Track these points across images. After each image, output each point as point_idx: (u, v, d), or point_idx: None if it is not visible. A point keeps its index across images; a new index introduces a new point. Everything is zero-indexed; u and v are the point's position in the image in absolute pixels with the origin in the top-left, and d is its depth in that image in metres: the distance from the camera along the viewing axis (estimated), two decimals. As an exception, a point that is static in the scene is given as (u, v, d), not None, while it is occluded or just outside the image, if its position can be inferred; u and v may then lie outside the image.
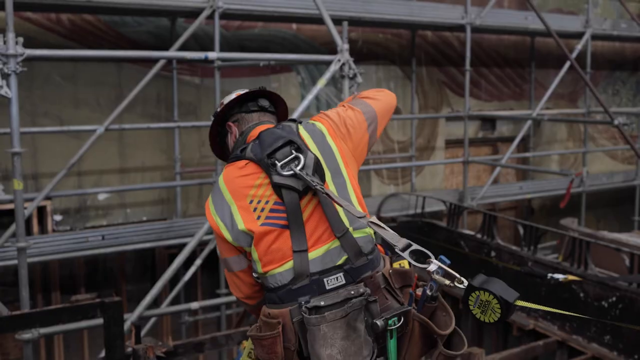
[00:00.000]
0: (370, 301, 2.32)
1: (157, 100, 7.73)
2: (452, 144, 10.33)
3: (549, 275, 5.28)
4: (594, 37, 10.53)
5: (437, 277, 2.26)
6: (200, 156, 8.00)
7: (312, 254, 2.39)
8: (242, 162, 2.53)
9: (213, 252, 6.84)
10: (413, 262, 2.31)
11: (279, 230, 2.40)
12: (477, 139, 10.69)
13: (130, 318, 5.42)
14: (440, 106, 10.07)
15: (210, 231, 6.67)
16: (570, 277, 5.78)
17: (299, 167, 2.42)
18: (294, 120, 2.70)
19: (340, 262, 2.40)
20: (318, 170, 2.48)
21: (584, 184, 10.37)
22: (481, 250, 7.31)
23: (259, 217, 2.42)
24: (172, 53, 6.38)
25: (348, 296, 2.30)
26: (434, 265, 2.27)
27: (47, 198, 6.85)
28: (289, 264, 2.38)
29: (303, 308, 2.29)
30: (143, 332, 5.99)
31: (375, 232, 2.46)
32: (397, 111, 9.59)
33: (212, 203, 2.54)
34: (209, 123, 6.53)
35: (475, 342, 7.18)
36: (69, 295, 7.32)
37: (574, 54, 9.61)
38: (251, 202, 2.45)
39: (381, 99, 2.83)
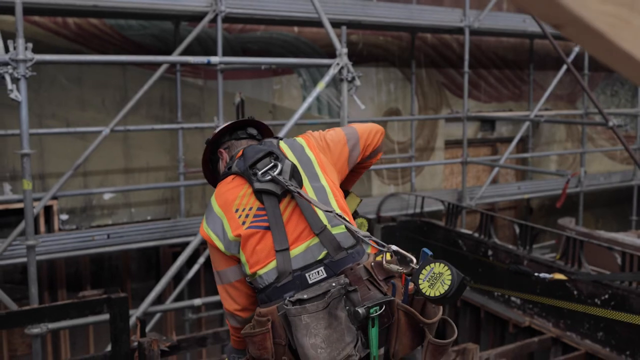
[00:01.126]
0: (350, 290, 2.44)
1: (161, 101, 7.89)
2: (452, 144, 10.47)
3: (535, 274, 5.40)
4: (592, 39, 10.64)
5: (387, 265, 2.43)
6: (204, 157, 8.14)
7: (294, 252, 2.54)
8: (230, 178, 2.74)
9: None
10: (374, 244, 2.50)
11: (262, 232, 2.57)
12: (476, 139, 10.83)
13: (135, 314, 5.58)
14: (440, 107, 10.21)
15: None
16: (557, 276, 5.92)
17: (276, 172, 2.63)
18: (276, 138, 2.91)
19: (320, 257, 2.54)
20: (295, 175, 2.67)
21: (581, 184, 10.51)
22: (478, 250, 7.45)
23: (244, 223, 2.59)
24: (176, 58, 6.54)
25: (329, 288, 2.43)
26: (394, 247, 2.45)
27: (54, 198, 7.00)
28: (273, 264, 2.53)
29: (286, 302, 2.43)
30: (147, 328, 6.14)
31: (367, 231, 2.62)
32: (397, 112, 9.75)
33: (205, 219, 2.72)
34: (213, 124, 6.75)
35: (473, 339, 7.33)
36: (75, 293, 7.47)
37: (572, 56, 9.74)
38: (237, 210, 2.63)
39: (365, 124, 3.03)
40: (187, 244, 6.68)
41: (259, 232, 2.58)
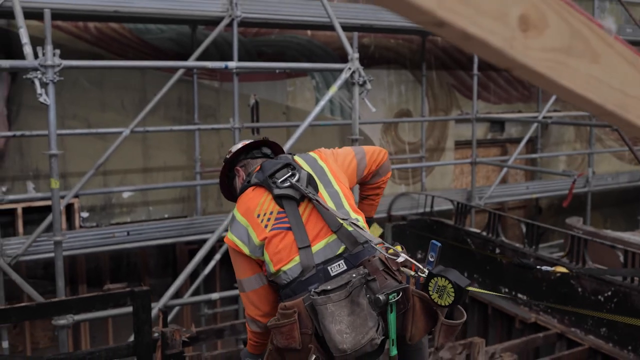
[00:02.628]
0: (369, 280, 2.71)
1: (179, 103, 8.13)
2: (462, 145, 10.66)
3: (538, 266, 5.62)
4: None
5: (403, 269, 2.69)
6: (220, 157, 8.39)
7: (315, 248, 2.82)
8: (250, 189, 3.02)
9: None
10: (385, 254, 2.73)
11: (284, 232, 2.84)
12: (486, 140, 11.02)
13: (157, 306, 5.83)
14: (450, 109, 10.41)
15: (225, 227, 7.07)
16: (559, 269, 6.12)
17: (294, 180, 2.91)
18: (290, 154, 3.21)
19: (339, 251, 2.81)
20: (311, 182, 2.96)
21: (589, 184, 10.68)
22: (486, 247, 7.65)
23: (266, 226, 2.86)
24: (195, 63, 6.80)
25: (350, 279, 2.69)
26: (402, 258, 2.70)
27: (75, 196, 7.26)
28: (296, 260, 2.79)
29: (312, 292, 2.68)
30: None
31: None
32: (408, 114, 9.96)
33: (230, 229, 2.98)
34: (228, 125, 6.97)
35: (481, 334, 7.52)
36: (95, 288, 7.74)
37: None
38: (258, 216, 2.89)
39: (370, 146, 3.36)
40: (203, 241, 6.93)
41: (281, 233, 2.84)
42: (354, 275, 2.70)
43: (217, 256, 6.92)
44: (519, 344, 6.38)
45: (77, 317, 5.84)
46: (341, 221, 2.84)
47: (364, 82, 5.96)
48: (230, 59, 7.24)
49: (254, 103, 8.54)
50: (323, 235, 2.84)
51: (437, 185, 10.31)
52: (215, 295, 6.76)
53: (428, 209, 8.92)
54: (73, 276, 7.78)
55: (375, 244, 2.73)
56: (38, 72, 4.81)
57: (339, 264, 2.77)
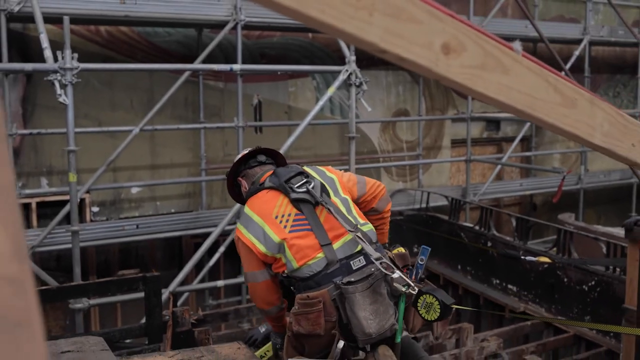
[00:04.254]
0: (386, 274, 3.08)
1: (185, 103, 8.50)
2: (458, 143, 11.01)
3: (522, 256, 5.97)
4: (593, 43, 11.16)
5: (395, 284, 3.08)
6: (224, 154, 8.76)
7: (335, 246, 3.19)
8: (264, 192, 3.35)
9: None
10: (383, 270, 3.08)
11: (305, 233, 3.20)
12: (482, 139, 11.37)
13: (166, 291, 6.21)
14: (447, 108, 10.76)
15: (232, 222, 7.44)
16: (542, 259, 6.48)
17: (310, 186, 3.28)
18: (297, 164, 3.61)
19: (357, 249, 3.18)
20: (324, 190, 3.33)
21: (582, 182, 11.02)
22: (479, 241, 8.01)
23: (285, 227, 3.20)
24: (202, 65, 7.17)
25: (370, 272, 3.07)
26: (397, 274, 3.06)
27: (87, 191, 7.63)
28: (321, 255, 3.15)
29: (340, 283, 3.05)
30: (173, 310, 6.77)
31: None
32: (405, 113, 10.31)
33: (244, 227, 3.28)
34: (232, 124, 7.32)
35: (473, 323, 7.88)
36: (105, 280, 8.10)
37: (572, 59, 10.26)
38: (276, 217, 3.23)
39: (371, 179, 3.67)
40: (208, 234, 7.29)
41: (302, 233, 3.19)
42: (373, 269, 3.09)
43: (222, 249, 7.29)
44: (507, 331, 6.74)
45: (91, 302, 6.21)
46: (353, 219, 3.24)
47: (361, 83, 6.33)
48: (235, 60, 7.60)
49: (257, 103, 8.89)
50: (340, 235, 3.20)
51: (433, 183, 10.66)
52: (220, 283, 7.15)
53: (424, 205, 9.27)
54: (84, 268, 8.12)
55: (375, 259, 3.09)
56: (58, 74, 5.19)
57: (359, 259, 3.15)
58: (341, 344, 3.04)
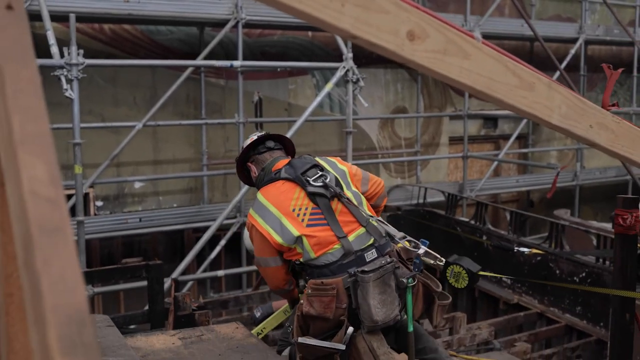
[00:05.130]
0: (396, 267, 3.31)
1: (187, 100, 8.69)
2: (456, 140, 11.18)
3: (515, 248, 6.15)
4: (589, 42, 11.34)
5: (424, 258, 3.30)
6: (225, 150, 8.94)
7: (350, 238, 3.37)
8: (280, 182, 3.48)
9: (236, 235, 7.81)
10: (408, 247, 3.34)
11: (321, 227, 3.36)
12: (480, 136, 11.55)
13: (169, 279, 6.41)
14: (445, 106, 10.94)
15: (231, 215, 7.64)
16: (534, 251, 6.66)
17: (327, 180, 3.43)
18: (308, 155, 3.72)
19: (370, 242, 3.38)
20: (337, 184, 3.49)
21: (577, 178, 11.20)
22: (474, 234, 8.18)
23: (303, 220, 3.37)
24: (203, 62, 7.37)
25: (381, 264, 3.26)
26: (422, 249, 3.28)
27: (91, 186, 7.81)
28: (338, 246, 3.33)
29: (356, 271, 3.24)
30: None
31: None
32: (403, 110, 10.49)
33: (259, 216, 3.41)
34: (233, 120, 7.51)
35: (469, 314, 8.06)
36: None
37: (568, 58, 10.44)
38: (294, 210, 3.38)
39: (373, 175, 3.86)
40: (209, 228, 7.47)
41: (319, 227, 3.36)
42: (383, 262, 3.29)
43: (222, 242, 7.48)
44: (501, 321, 6.92)
45: (95, 290, 6.40)
46: (365, 213, 3.43)
47: (357, 80, 6.51)
48: (236, 58, 7.78)
49: (258, 100, 9.07)
50: (355, 228, 3.38)
51: (431, 179, 10.84)
52: (220, 272, 7.34)
53: (421, 200, 9.45)
54: (88, 261, 8.29)
55: (399, 238, 3.32)
56: (64, 69, 5.39)
57: (372, 252, 3.35)
58: (350, 330, 3.24)
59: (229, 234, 7.65)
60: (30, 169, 0.78)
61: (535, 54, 11.69)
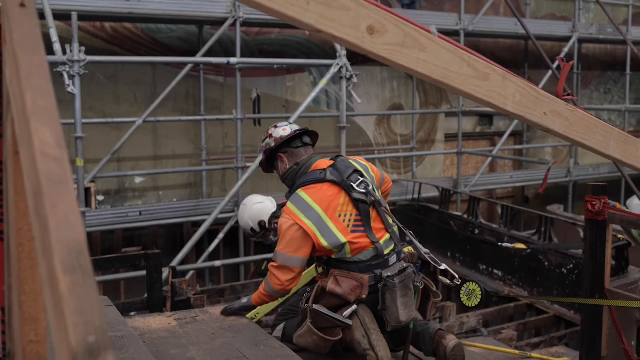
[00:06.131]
0: (414, 272, 3.58)
1: (187, 96, 8.89)
2: (451, 137, 11.37)
3: (500, 243, 6.34)
4: (582, 41, 11.52)
5: (440, 277, 3.54)
6: (224, 146, 9.14)
7: (382, 242, 3.58)
8: (326, 185, 3.60)
9: (234, 228, 8.00)
10: (431, 261, 3.62)
11: (360, 233, 3.55)
12: (475, 133, 11.74)
13: (166, 271, 6.60)
14: (440, 103, 11.13)
15: (227, 209, 7.83)
16: (518, 246, 6.85)
17: (370, 188, 3.61)
18: (339, 156, 3.89)
19: (392, 247, 3.62)
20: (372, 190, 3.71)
21: (571, 175, 11.38)
22: (467, 228, 8.37)
23: (348, 226, 3.54)
24: (201, 59, 7.57)
25: (401, 268, 3.53)
26: (443, 266, 3.60)
27: (92, 180, 8.01)
28: (371, 249, 3.54)
29: (384, 276, 3.47)
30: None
31: None
32: (400, 107, 10.69)
33: (304, 215, 3.49)
34: (232, 117, 7.69)
35: (462, 306, 8.24)
36: (109, 269, 8.48)
37: (561, 56, 10.62)
38: (340, 215, 3.53)
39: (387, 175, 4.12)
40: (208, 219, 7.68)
41: (359, 233, 3.54)
42: (403, 266, 3.57)
43: (221, 235, 7.68)
44: (491, 312, 7.09)
45: (96, 279, 6.60)
46: (390, 220, 3.67)
47: (351, 77, 6.71)
48: (234, 56, 7.97)
49: (256, 97, 9.26)
50: (383, 234, 3.61)
51: (427, 175, 11.03)
52: (217, 263, 7.54)
53: (416, 196, 9.64)
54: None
55: (425, 253, 3.63)
56: (66, 66, 5.59)
57: (393, 257, 3.59)
58: (354, 307, 3.46)
59: (227, 227, 7.85)
60: (40, 134, 0.97)
61: (530, 52, 11.88)
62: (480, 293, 3.54)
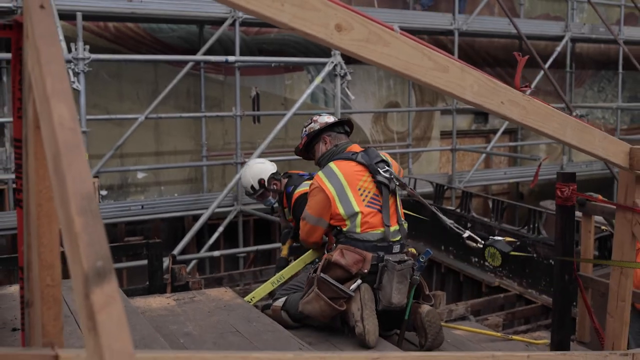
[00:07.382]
0: (413, 266, 3.86)
1: (187, 94, 9.15)
2: (447, 134, 11.60)
3: (490, 237, 6.59)
4: (575, 40, 11.76)
5: (468, 241, 3.99)
6: (224, 142, 9.40)
7: (391, 229, 3.90)
8: (354, 163, 3.99)
9: (233, 223, 8.26)
10: (456, 229, 4.08)
11: (375, 211, 3.89)
12: (471, 130, 11.98)
13: (166, 261, 6.85)
14: (436, 101, 11.37)
15: (227, 204, 8.09)
16: (507, 239, 7.11)
17: (393, 176, 3.96)
18: (367, 147, 4.25)
19: (398, 238, 3.93)
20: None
21: (564, 171, 11.61)
22: (459, 222, 8.60)
23: (364, 200, 3.89)
24: (200, 57, 7.85)
25: (402, 259, 3.81)
26: (467, 233, 4.03)
27: (95, 175, 8.24)
28: (380, 230, 3.87)
29: (386, 258, 3.76)
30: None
31: None
32: (396, 105, 10.93)
33: (328, 180, 3.93)
34: (231, 114, 7.94)
35: (455, 297, 8.49)
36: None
37: (554, 55, 10.86)
38: (359, 189, 3.91)
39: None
40: (207, 210, 7.92)
41: (374, 209, 3.88)
42: (405, 258, 3.85)
43: (220, 229, 7.93)
44: (482, 302, 7.34)
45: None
46: (401, 213, 3.99)
47: (345, 74, 6.97)
48: (233, 55, 8.22)
49: (255, 95, 9.50)
50: (394, 222, 3.94)
51: (423, 171, 11.27)
52: (216, 253, 7.78)
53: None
54: (93, 247, 8.76)
55: (449, 223, 4.10)
56: (71, 63, 5.85)
57: (397, 246, 3.91)
58: (359, 281, 3.75)
59: (227, 220, 8.10)
60: (58, 110, 1.22)
61: (524, 52, 12.06)
62: (499, 254, 3.95)
